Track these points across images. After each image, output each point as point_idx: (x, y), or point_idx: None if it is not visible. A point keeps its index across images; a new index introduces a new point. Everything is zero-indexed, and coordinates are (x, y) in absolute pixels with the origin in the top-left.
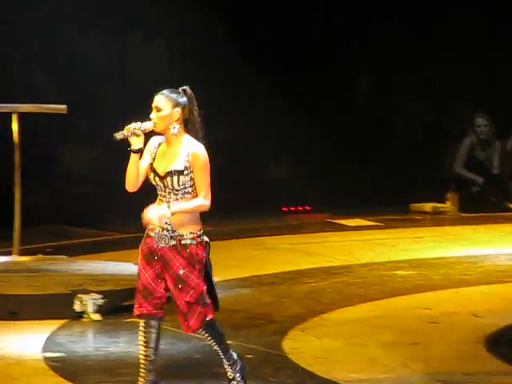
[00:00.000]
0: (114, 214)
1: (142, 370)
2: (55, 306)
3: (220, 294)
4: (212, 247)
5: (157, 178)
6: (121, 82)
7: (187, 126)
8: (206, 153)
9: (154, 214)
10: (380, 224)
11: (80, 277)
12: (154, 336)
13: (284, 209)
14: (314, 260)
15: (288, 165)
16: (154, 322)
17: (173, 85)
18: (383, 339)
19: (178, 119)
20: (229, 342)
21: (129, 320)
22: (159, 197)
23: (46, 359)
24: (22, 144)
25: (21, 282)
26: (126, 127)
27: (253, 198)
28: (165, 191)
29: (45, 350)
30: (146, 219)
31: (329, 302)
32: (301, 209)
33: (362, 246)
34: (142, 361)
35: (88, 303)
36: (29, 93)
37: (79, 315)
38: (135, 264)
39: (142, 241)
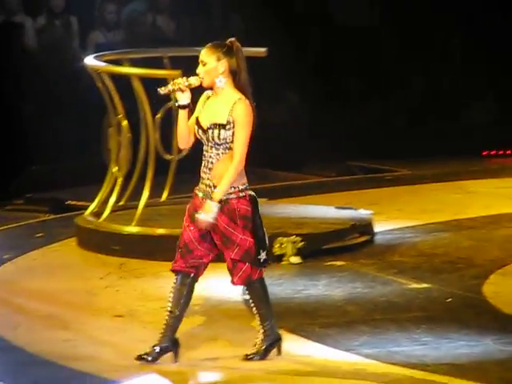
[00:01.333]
0: (314, 159)
1: (163, 326)
2: None
3: (419, 237)
4: (410, 191)
5: (200, 131)
6: None
7: (235, 78)
8: (248, 108)
9: (204, 218)
10: None
11: (280, 220)
12: (182, 293)
13: (484, 153)
14: None
15: (489, 107)
16: (185, 280)
17: None
18: None
19: (224, 72)
20: (428, 285)
21: (328, 263)
22: (203, 152)
23: (246, 301)
24: None
25: None
26: (172, 82)
27: (452, 141)
28: (207, 145)
29: (244, 292)
30: (201, 227)
31: None
32: (502, 153)
33: None
34: (166, 316)
35: (288, 246)
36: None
37: (279, 258)
38: (336, 208)
39: (190, 201)
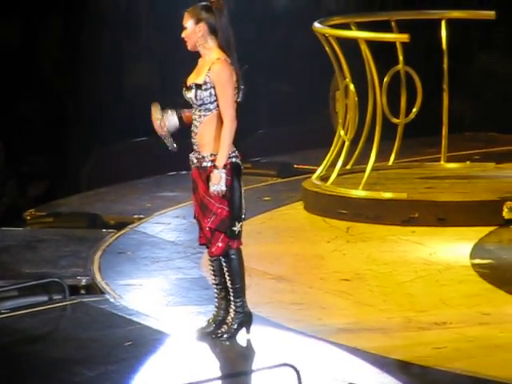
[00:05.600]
0: None
1: (215, 298)
2: (483, 213)
3: None
4: None
5: (185, 92)
6: None
7: (218, 39)
8: (225, 68)
9: (217, 189)
10: None
11: (509, 184)
12: (217, 264)
13: None
14: None
15: None
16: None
17: None
18: None
19: (203, 35)
20: None
21: None
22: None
23: (474, 266)
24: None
25: (449, 188)
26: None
27: None
28: (193, 107)
29: (472, 256)
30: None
31: None
32: None
33: None
34: (214, 289)
35: None
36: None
37: (508, 222)
38: None
39: None
